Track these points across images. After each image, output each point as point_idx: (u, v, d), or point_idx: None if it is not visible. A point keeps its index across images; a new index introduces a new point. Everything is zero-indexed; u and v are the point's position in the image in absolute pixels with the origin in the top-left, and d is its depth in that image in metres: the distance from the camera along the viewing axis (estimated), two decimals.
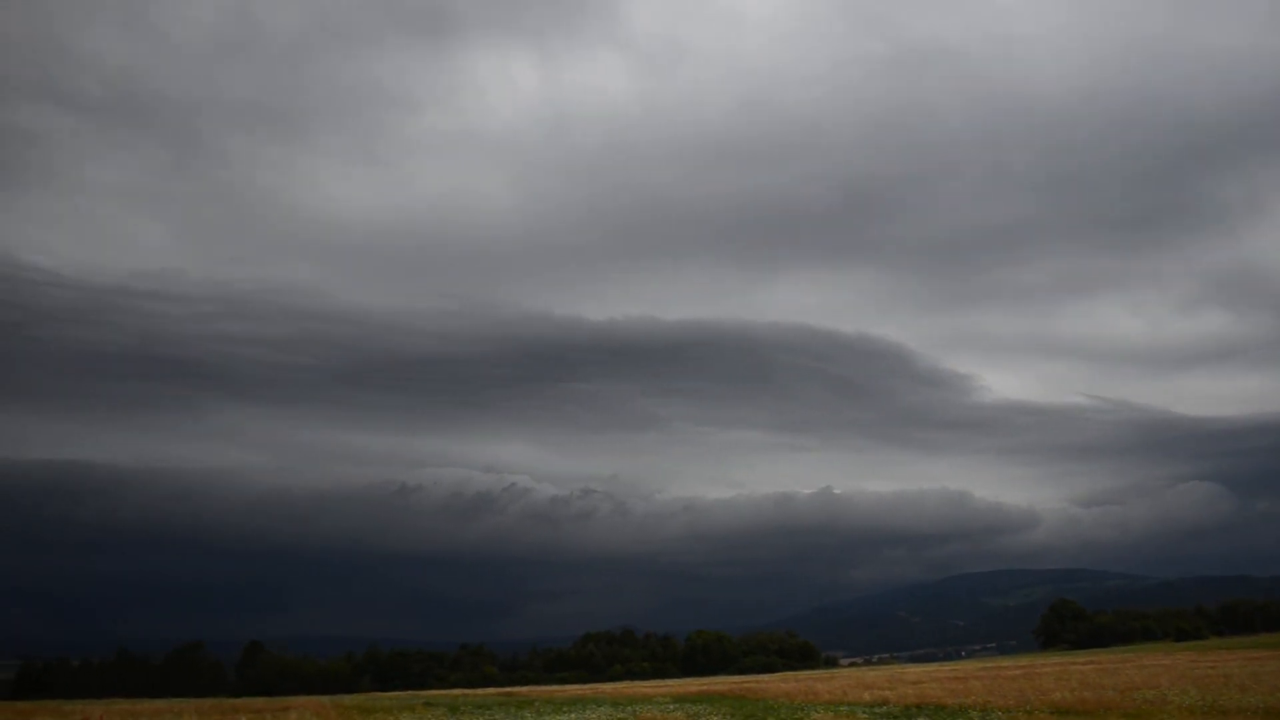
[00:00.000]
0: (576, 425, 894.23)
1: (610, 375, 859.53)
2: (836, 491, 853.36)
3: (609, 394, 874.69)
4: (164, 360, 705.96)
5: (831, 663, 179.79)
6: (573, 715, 41.39)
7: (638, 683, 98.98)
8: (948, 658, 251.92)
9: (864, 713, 38.23)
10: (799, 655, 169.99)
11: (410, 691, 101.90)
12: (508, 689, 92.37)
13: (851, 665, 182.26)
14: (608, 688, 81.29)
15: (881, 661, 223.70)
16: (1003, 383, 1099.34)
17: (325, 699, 68.91)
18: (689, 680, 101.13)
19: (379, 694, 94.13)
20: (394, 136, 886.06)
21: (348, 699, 69.57)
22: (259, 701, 65.79)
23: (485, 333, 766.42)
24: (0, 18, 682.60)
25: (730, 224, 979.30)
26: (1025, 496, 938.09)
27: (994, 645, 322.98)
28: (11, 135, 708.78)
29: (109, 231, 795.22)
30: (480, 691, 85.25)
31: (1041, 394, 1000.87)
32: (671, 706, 45.13)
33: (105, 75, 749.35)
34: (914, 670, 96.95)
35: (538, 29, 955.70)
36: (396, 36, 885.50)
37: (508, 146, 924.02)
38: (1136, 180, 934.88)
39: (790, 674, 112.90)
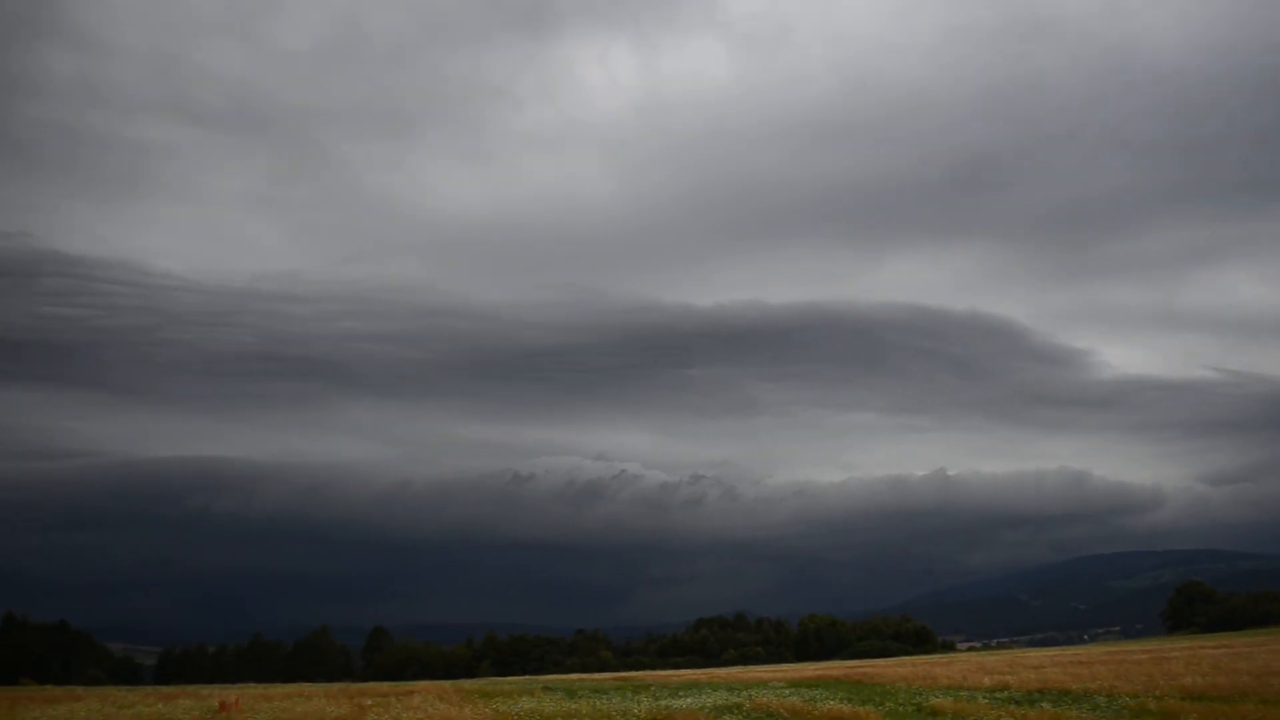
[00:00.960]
0: (686, 412, 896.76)
1: (719, 361, 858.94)
2: (951, 473, 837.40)
3: (718, 379, 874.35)
4: (290, 359, 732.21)
5: (949, 647, 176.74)
6: (688, 699, 41.73)
7: (751, 667, 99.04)
8: (1069, 642, 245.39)
9: (984, 698, 37.66)
10: (915, 640, 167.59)
11: (528, 676, 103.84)
12: (623, 674, 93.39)
13: (970, 650, 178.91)
14: (721, 672, 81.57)
15: (1001, 646, 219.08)
16: (1123, 357, 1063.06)
17: (447, 683, 70.73)
18: (803, 665, 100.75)
19: (498, 678, 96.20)
20: (498, 132, 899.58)
21: (469, 683, 71.27)
22: (384, 686, 67.95)
23: (594, 322, 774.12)
24: (127, 38, 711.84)
25: (837, 203, 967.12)
26: (1149, 475, 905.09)
27: (1118, 629, 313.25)
28: (140, 149, 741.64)
29: (232, 237, 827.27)
30: (596, 676, 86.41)
31: (1165, 368, 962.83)
32: (787, 691, 45.14)
33: (224, 87, 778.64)
34: (1035, 655, 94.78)
35: (635, 17, 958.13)
36: (497, 33, 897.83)
37: (609, 136, 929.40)
38: (1263, 140, 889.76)
39: (906, 659, 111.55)
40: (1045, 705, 33.87)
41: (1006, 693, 39.82)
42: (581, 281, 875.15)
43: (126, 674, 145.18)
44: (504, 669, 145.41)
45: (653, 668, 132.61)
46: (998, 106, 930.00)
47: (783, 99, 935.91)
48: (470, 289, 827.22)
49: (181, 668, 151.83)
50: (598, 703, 41.55)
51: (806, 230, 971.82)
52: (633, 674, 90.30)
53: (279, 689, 62.09)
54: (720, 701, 39.97)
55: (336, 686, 67.76)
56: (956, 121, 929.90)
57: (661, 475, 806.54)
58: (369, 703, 43.12)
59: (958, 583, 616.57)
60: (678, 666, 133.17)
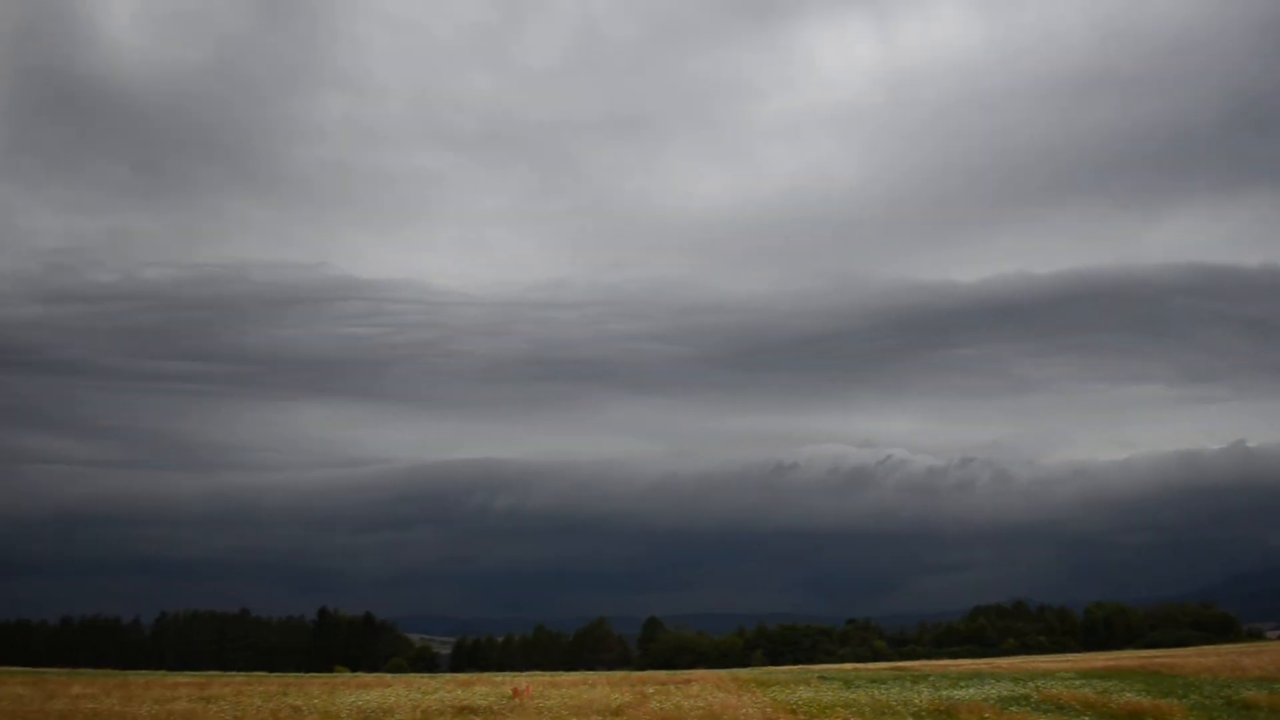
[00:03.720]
0: (952, 393, 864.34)
1: (986, 338, 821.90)
2: (1251, 445, 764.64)
3: (985, 358, 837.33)
4: (560, 362, 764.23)
5: (1256, 635, 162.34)
6: (970, 690, 40.69)
7: (1034, 657, 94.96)
8: None
9: None
10: (1217, 628, 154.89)
11: (801, 666, 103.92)
12: (898, 664, 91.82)
13: None
14: (1003, 662, 78.73)
15: None
16: None
17: (723, 672, 71.98)
18: (1091, 655, 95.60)
19: (772, 668, 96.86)
20: (743, 125, 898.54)
21: (744, 672, 72.23)
22: (661, 674, 69.94)
23: (854, 307, 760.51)
24: (387, 76, 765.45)
25: (1103, 162, 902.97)
26: None
27: None
28: (410, 177, 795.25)
29: (500, 252, 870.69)
30: (871, 666, 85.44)
31: None
32: (1077, 682, 43.14)
33: (477, 112, 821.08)
34: None
35: None
36: (733, 27, 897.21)
37: (854, 117, 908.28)
38: None
39: (1209, 648, 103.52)
40: None
41: None
42: (837, 267, 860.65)
43: (425, 662, 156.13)
44: (776, 658, 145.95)
45: (928, 657, 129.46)
46: (1275, 42, 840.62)
47: (1035, 57, 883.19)
48: (727, 283, 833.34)
49: (473, 656, 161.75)
50: (875, 692, 41.20)
51: (1072, 193, 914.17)
52: (909, 664, 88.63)
53: (565, 676, 65.22)
54: (1005, 693, 38.76)
55: (618, 674, 70.41)
56: (1231, 61, 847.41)
57: (929, 460, 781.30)
58: (650, 690, 44.53)
59: (1262, 566, 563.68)
60: (955, 656, 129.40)
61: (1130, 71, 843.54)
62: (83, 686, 50.59)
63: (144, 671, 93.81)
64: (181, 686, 51.79)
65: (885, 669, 71.32)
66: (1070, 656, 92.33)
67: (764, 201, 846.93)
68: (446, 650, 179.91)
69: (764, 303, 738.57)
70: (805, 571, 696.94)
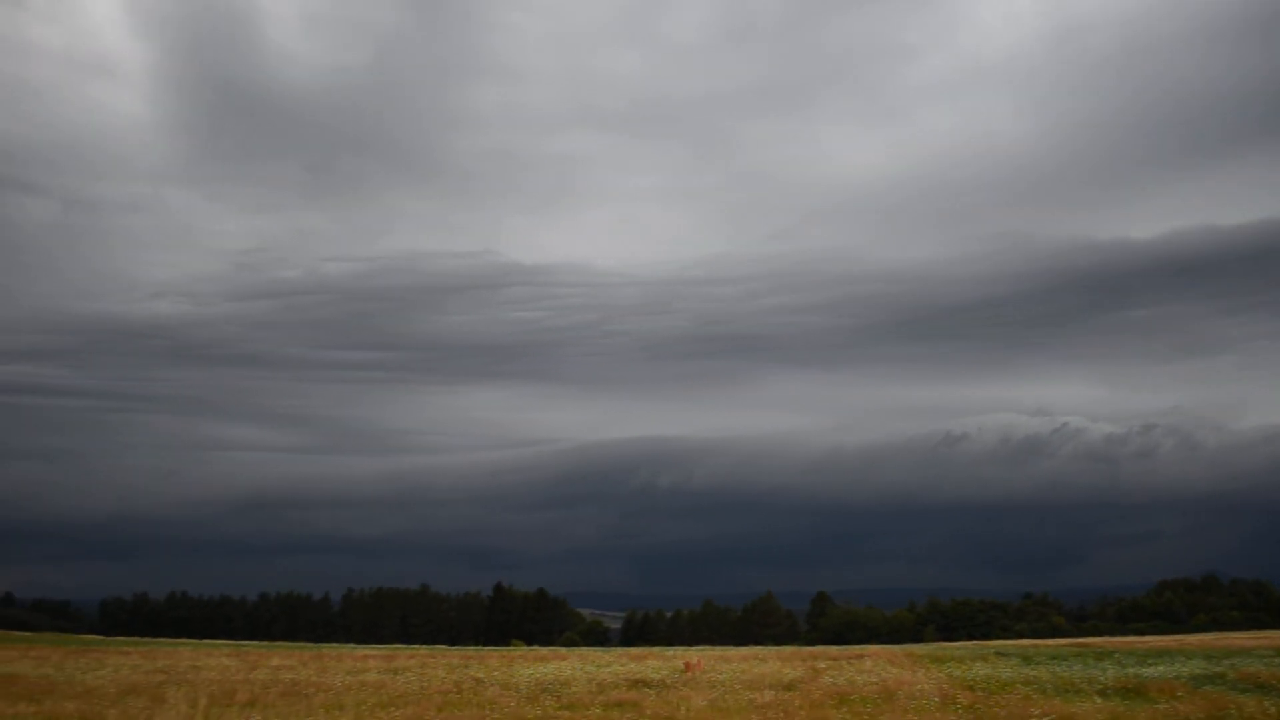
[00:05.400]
0: (1131, 356, 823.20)
1: (1165, 298, 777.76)
2: None
3: (1166, 318, 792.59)
4: (721, 338, 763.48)
5: None
6: (1159, 668, 39.07)
7: (1227, 634, 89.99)
8: None
9: None
10: None
11: (976, 642, 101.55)
12: (1079, 640, 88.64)
13: None
14: (1193, 639, 74.98)
15: None
16: None
17: (896, 648, 71.08)
18: None
19: (946, 644, 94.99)
20: (897, 87, 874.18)
21: (918, 648, 71.15)
22: (833, 650, 69.59)
23: (1023, 270, 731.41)
24: (537, 61, 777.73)
25: None
26: None
27: None
28: (562, 162, 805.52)
29: (657, 231, 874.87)
30: (1050, 642, 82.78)
31: None
32: (1279, 660, 40.87)
33: (626, 92, 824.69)
34: None
35: None
36: None
37: (1016, 72, 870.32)
38: None
39: None
40: None
41: None
42: (1004, 228, 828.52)
43: (596, 637, 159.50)
44: (949, 634, 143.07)
45: (1111, 633, 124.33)
46: None
47: None
48: (888, 251, 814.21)
49: (643, 631, 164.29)
50: (1058, 669, 40.06)
51: (1258, 139, 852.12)
52: (1090, 640, 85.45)
53: (735, 651, 65.63)
54: (1197, 671, 37.07)
55: (788, 649, 70.40)
56: None
57: (1107, 427, 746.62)
58: (822, 666, 44.46)
59: None
60: (1140, 633, 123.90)
61: None
62: (281, 658, 53.95)
63: (335, 645, 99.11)
64: (370, 659, 54.56)
65: (1066, 645, 69.01)
66: (1268, 633, 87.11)
67: (923, 164, 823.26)
68: (616, 625, 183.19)
69: (927, 269, 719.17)
70: (975, 545, 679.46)
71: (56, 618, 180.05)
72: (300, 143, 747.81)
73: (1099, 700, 29.35)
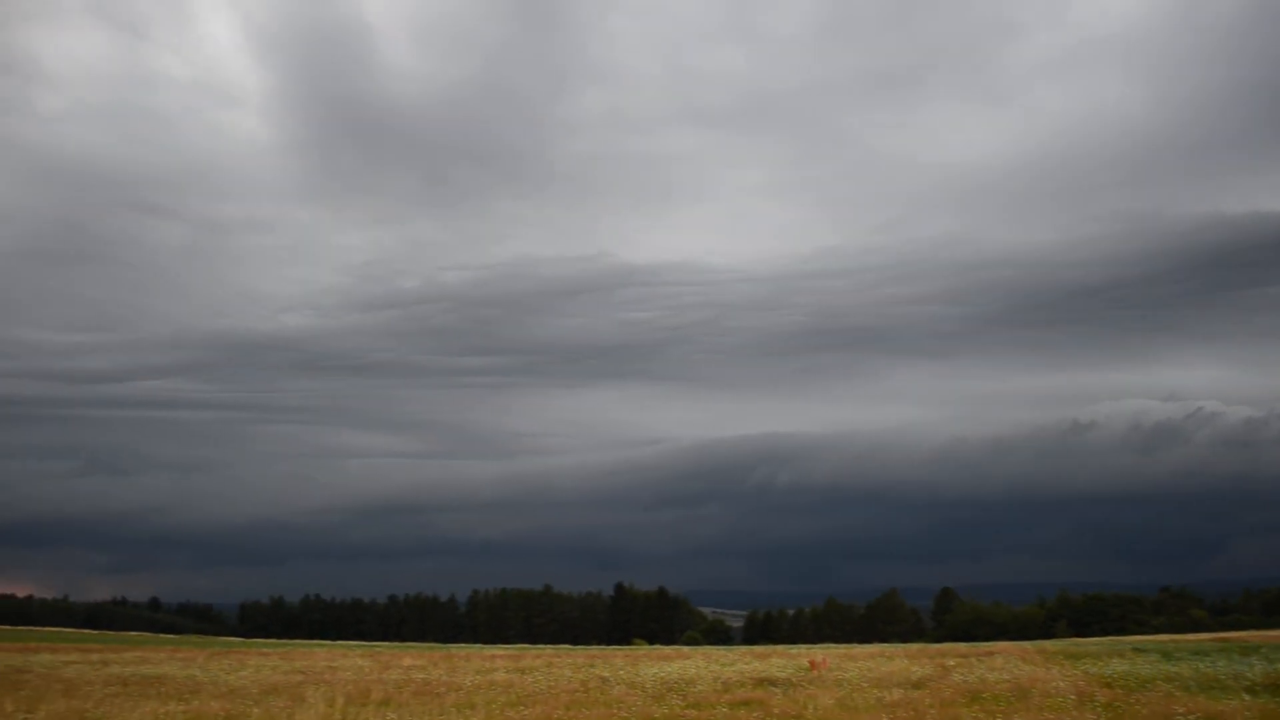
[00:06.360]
0: (1269, 336, 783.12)
1: None
2: None
3: None
4: (835, 332, 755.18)
5: None
6: None
7: None
8: None
9: None
10: None
11: (1111, 637, 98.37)
12: (1221, 634, 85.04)
13: None
14: None
15: None
16: None
17: (1027, 644, 69.38)
18: None
19: (1079, 639, 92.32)
20: (1008, 67, 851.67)
21: (1050, 644, 69.31)
22: (961, 646, 68.31)
23: (1149, 249, 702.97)
24: (639, 61, 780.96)
25: None
26: None
27: None
28: (670, 161, 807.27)
29: (767, 225, 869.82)
30: (1190, 637, 79.61)
31: None
32: None
33: (729, 87, 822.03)
34: None
35: None
36: None
37: (1131, 44, 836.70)
38: None
39: None
40: None
41: None
42: (1128, 207, 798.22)
43: (719, 635, 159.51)
44: (1082, 629, 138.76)
45: (1256, 627, 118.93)
46: None
47: None
48: (1005, 236, 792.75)
49: (765, 629, 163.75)
50: (1200, 665, 38.56)
51: None
52: (1234, 634, 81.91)
53: (861, 649, 64.96)
54: None
55: (915, 647, 69.33)
56: None
57: (1246, 410, 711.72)
58: (951, 663, 43.69)
59: None
60: None
61: None
62: (412, 659, 55.43)
63: (463, 645, 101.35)
64: (498, 659, 55.65)
65: (1207, 640, 66.31)
66: None
67: (1037, 145, 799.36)
68: (738, 623, 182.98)
69: (1046, 253, 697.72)
70: (1106, 538, 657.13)
71: (199, 620, 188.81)
72: (414, 155, 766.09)
73: (1246, 697, 28.17)
